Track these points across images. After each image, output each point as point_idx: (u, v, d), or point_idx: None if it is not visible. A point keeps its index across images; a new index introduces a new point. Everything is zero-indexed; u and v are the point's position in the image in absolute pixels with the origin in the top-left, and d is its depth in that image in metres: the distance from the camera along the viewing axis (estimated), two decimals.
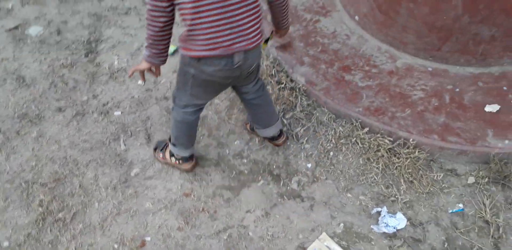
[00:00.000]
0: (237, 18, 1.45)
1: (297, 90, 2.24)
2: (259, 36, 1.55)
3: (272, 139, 2.08)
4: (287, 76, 2.30)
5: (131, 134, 2.22)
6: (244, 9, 1.45)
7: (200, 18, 1.41)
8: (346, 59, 2.30)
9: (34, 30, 2.72)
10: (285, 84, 2.27)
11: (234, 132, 2.20)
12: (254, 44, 1.53)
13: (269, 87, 2.30)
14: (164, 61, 1.63)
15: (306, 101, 2.22)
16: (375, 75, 2.21)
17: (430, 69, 2.24)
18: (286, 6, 1.72)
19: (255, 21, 1.50)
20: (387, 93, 2.12)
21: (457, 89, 2.13)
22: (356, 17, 2.42)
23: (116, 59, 2.57)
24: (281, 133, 2.06)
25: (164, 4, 1.40)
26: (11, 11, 2.89)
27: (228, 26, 1.45)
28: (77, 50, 2.61)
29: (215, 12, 1.40)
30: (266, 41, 2.02)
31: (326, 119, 2.17)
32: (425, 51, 2.24)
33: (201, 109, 1.86)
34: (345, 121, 2.12)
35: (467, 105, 2.06)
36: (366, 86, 2.16)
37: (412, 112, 2.04)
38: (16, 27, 2.76)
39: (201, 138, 2.18)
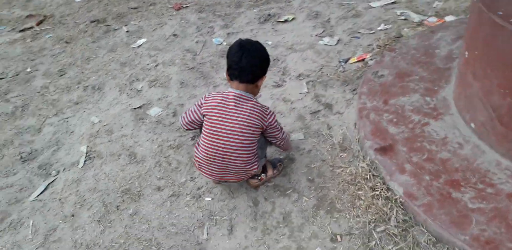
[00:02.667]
0: (229, 160, 2.06)
1: (393, 201, 2.02)
2: (245, 175, 2.19)
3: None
4: (383, 184, 2.10)
5: (215, 222, 2.22)
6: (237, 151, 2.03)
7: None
8: (456, 172, 2.02)
9: (154, 111, 3.03)
10: (380, 192, 2.07)
11: (317, 236, 2.04)
12: (239, 180, 2.24)
13: (361, 192, 2.13)
14: None
15: (402, 216, 1.98)
16: (490, 196, 1.89)
17: None
18: (282, 144, 2.25)
19: (245, 163, 2.08)
20: (503, 222, 1.78)
21: None
22: (472, 125, 2.16)
23: None
24: (258, 177, 2.32)
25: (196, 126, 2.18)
26: (140, 91, 3.27)
27: (219, 164, 2.08)
28: (185, 133, 2.80)
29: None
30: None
31: (425, 241, 1.88)
32: None
33: None
34: (447, 248, 1.81)
35: None
36: (477, 209, 1.85)
37: None
38: (140, 107, 3.10)
39: (281, 237, 2.07)
